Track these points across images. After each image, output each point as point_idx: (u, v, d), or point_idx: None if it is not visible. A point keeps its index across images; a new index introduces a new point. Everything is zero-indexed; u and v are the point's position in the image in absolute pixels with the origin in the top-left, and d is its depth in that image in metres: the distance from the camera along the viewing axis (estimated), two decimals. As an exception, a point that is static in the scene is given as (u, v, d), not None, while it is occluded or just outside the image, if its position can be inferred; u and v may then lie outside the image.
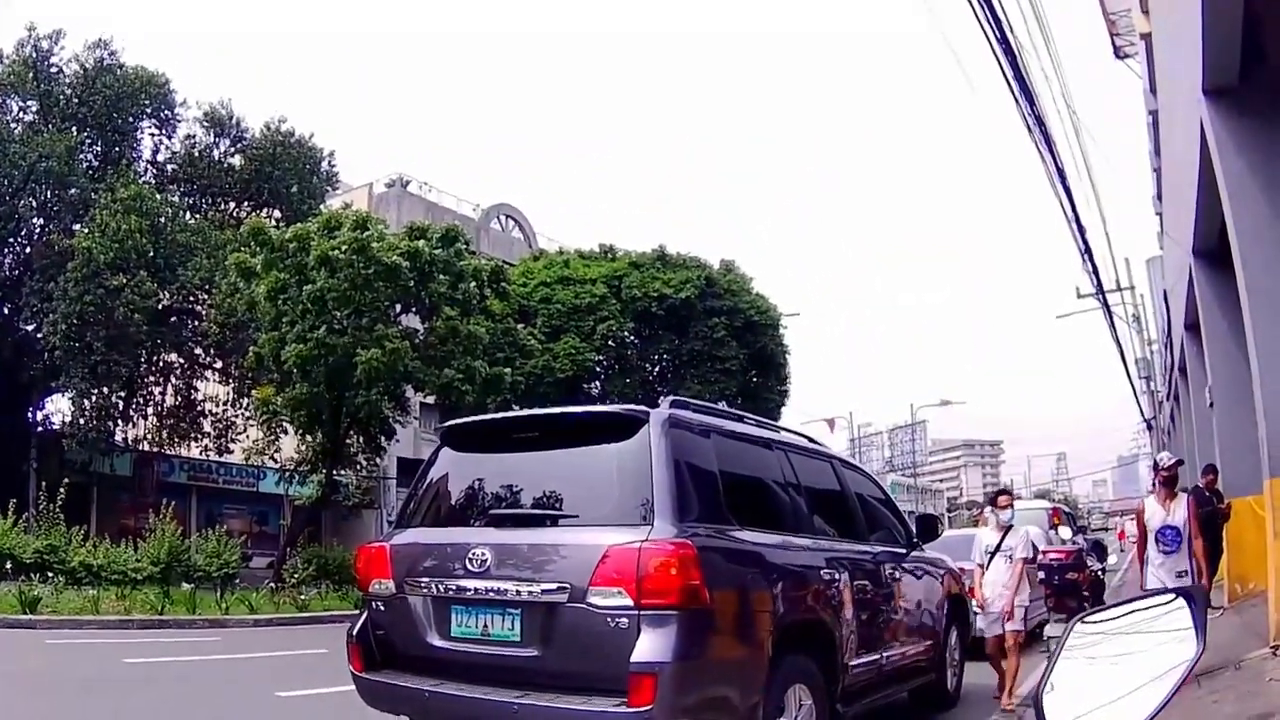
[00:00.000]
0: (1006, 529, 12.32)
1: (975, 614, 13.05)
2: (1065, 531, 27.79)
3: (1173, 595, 2.10)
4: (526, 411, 8.46)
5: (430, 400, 36.47)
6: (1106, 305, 39.39)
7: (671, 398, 7.77)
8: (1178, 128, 17.44)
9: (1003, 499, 12.91)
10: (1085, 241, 27.94)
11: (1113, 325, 42.25)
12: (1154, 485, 14.40)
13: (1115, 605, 1.95)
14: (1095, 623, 1.94)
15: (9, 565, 24.86)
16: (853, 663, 8.48)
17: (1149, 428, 59.79)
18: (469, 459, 8.25)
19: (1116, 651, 1.85)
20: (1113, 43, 32.75)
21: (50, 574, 25.20)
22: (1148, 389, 53.55)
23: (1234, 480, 16.76)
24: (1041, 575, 16.09)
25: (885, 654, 9.45)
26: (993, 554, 12.20)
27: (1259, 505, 13.13)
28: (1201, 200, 14.91)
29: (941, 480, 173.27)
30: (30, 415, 41.99)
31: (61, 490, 28.44)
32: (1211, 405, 18.32)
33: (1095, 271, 32.51)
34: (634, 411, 7.27)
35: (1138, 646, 1.86)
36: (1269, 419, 11.34)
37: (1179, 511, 12.46)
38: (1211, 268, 17.03)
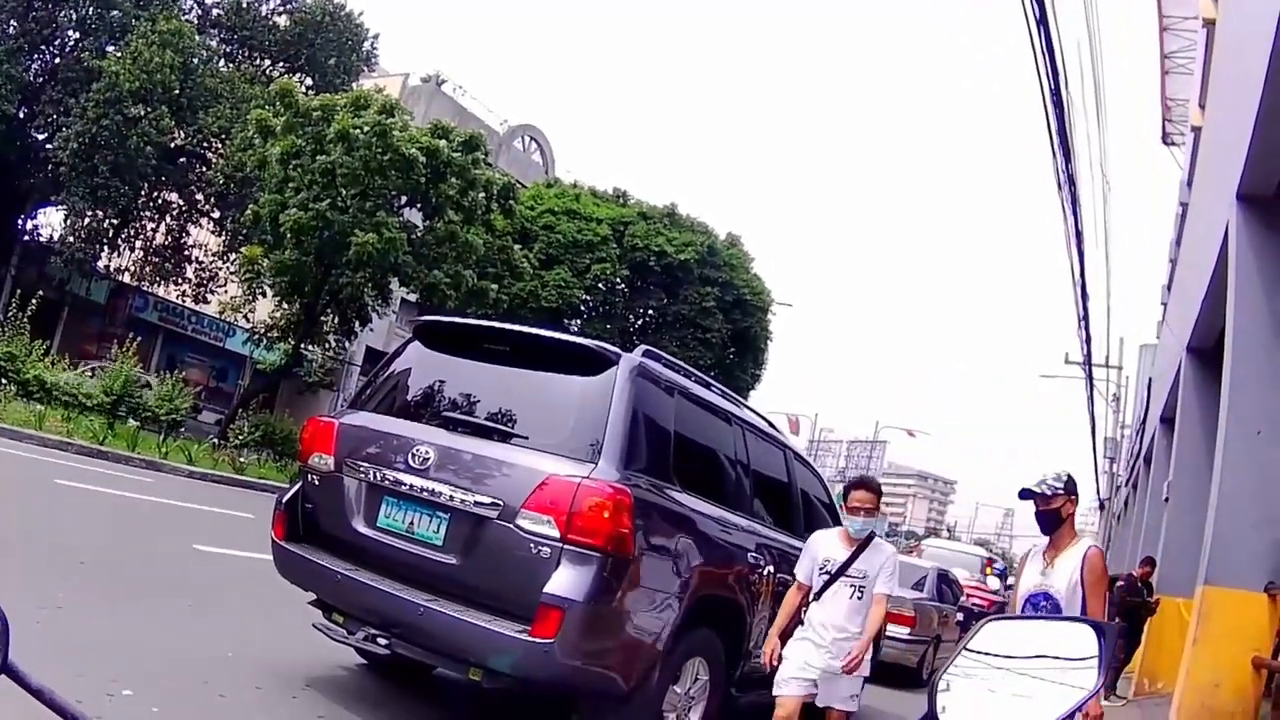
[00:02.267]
0: (862, 544, 7.88)
1: (888, 638, 13.09)
2: (994, 582, 28.08)
3: (1085, 624, 2.15)
4: (503, 324, 8.44)
5: (413, 298, 36.34)
6: (1091, 377, 39.54)
7: (645, 347, 7.77)
8: (1203, 224, 17.47)
9: (861, 496, 7.93)
10: (1085, 309, 28.04)
11: (1092, 398, 42.42)
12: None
13: (1029, 618, 2.00)
14: (1004, 629, 1.98)
15: (-38, 366, 24.76)
16: (757, 651, 8.51)
17: (1101, 508, 59.96)
18: (436, 358, 8.23)
19: (1018, 662, 1.89)
20: (1163, 128, 32.83)
21: (3, 381, 25.22)
22: (1109, 469, 53.70)
23: (1170, 579, 16.87)
24: (960, 617, 16.23)
25: (790, 652, 9.48)
26: (832, 577, 7.78)
27: (1186, 609, 13.22)
28: (1208, 299, 14.95)
29: (889, 504, 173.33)
30: (20, 222, 41.79)
31: (34, 302, 28.21)
32: (1166, 500, 18.44)
33: (1088, 341, 32.61)
34: (606, 350, 7.26)
35: (1041, 664, 1.90)
36: (1217, 524, 11.39)
37: (1062, 571, 7.04)
38: (1201, 366, 17.10)
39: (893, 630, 14.77)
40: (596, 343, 7.50)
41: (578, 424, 7.05)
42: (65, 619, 7.69)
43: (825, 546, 7.98)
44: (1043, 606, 7.05)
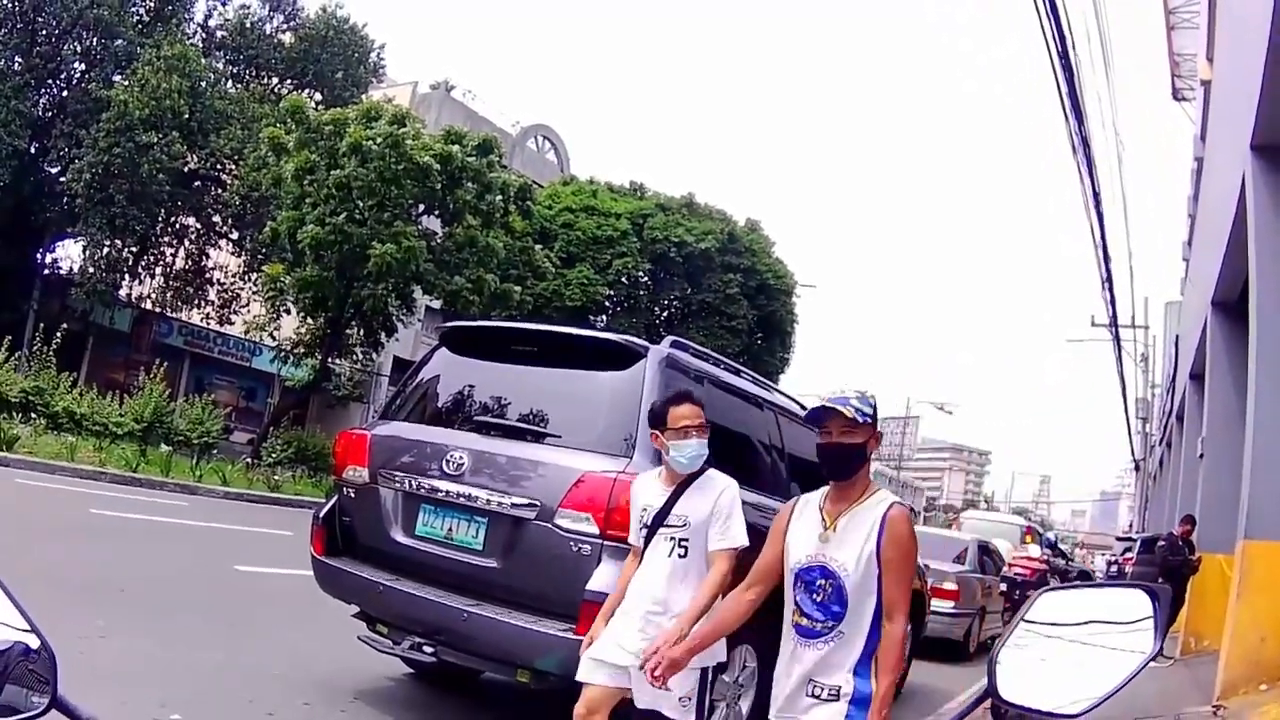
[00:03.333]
0: (685, 480, 5.87)
1: (933, 613, 13.06)
2: (1035, 550, 28.01)
3: (1139, 589, 2.12)
4: (529, 324, 8.43)
5: (436, 305, 36.30)
6: (1118, 338, 39.39)
7: (672, 338, 7.75)
8: (1219, 178, 17.38)
9: (686, 412, 5.89)
10: (1108, 271, 27.99)
11: (1120, 360, 42.27)
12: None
13: (1083, 586, 1.98)
14: (1061, 598, 1.96)
15: (-8, 400, 24.87)
16: (804, 635, 8.47)
17: (1136, 468, 59.76)
18: (464, 363, 8.22)
19: (1076, 630, 1.88)
20: (1173, 84, 32.64)
21: (33, 415, 25.31)
22: (1142, 430, 53.45)
23: (1210, 536, 16.76)
24: (1004, 588, 16.19)
25: (836, 634, 9.42)
26: (650, 530, 5.79)
27: (1229, 565, 13.13)
28: (1229, 252, 14.86)
29: (924, 479, 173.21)
30: (39, 256, 41.98)
31: (58, 335, 28.45)
32: (1201, 456, 18.31)
33: (1113, 302, 32.52)
34: (634, 344, 7.27)
35: (1098, 631, 1.88)
36: (1254, 478, 11.31)
37: (851, 539, 4.51)
38: (1226, 320, 16.99)
39: (937, 605, 14.72)
40: (623, 337, 7.49)
41: (610, 419, 7.05)
42: (109, 646, 7.71)
43: (645, 492, 5.94)
44: (820, 589, 4.53)
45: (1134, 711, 10.21)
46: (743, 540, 5.80)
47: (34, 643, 1.29)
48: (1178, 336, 30.76)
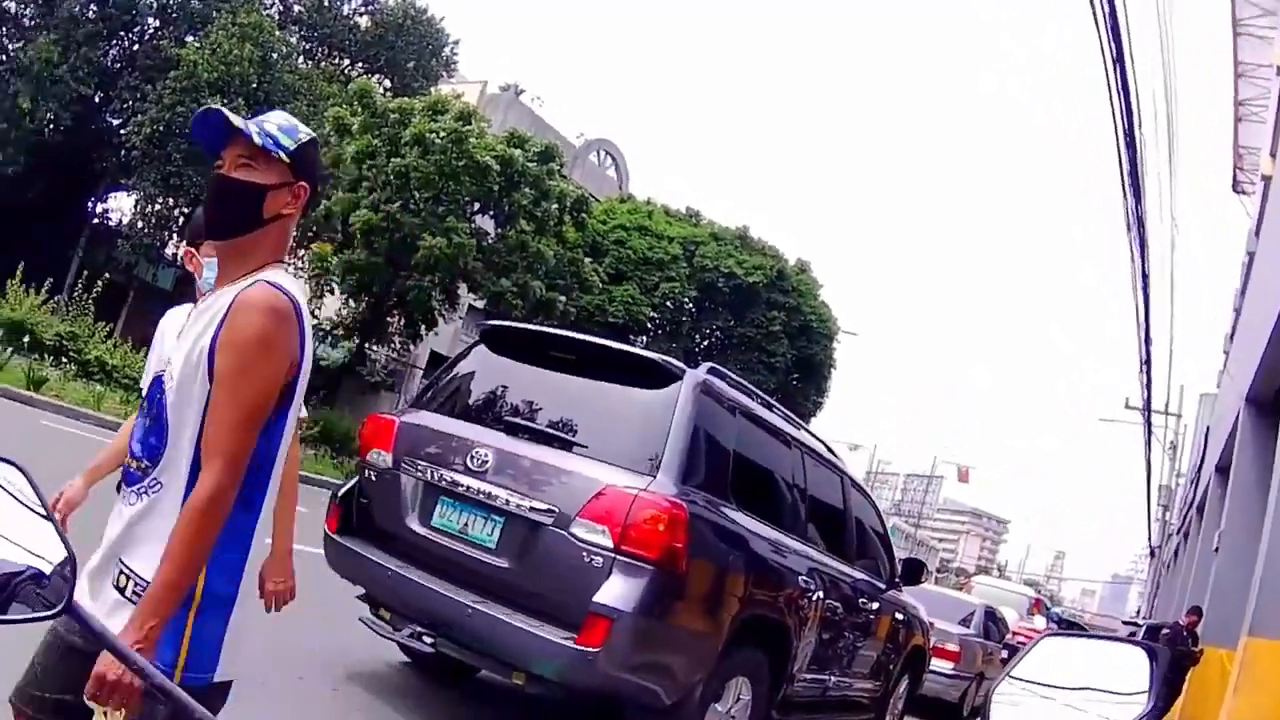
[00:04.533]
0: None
1: (932, 672, 13.05)
2: (1041, 623, 27.97)
3: (1138, 645, 2.13)
4: (571, 333, 8.45)
5: (480, 304, 36.33)
6: (1149, 423, 39.23)
7: (710, 365, 7.78)
8: (1269, 274, 17.31)
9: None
10: (1148, 354, 27.88)
11: (1149, 445, 42.09)
12: None
13: (1084, 635, 1.98)
14: (1061, 645, 1.97)
15: (26, 340, 25.06)
16: (801, 675, 8.45)
17: (1152, 555, 59.46)
18: (501, 362, 8.25)
19: (1072, 683, 1.88)
20: (1234, 175, 32.54)
21: (65, 360, 25.41)
22: (1162, 517, 53.14)
23: (1215, 630, 16.65)
24: (1005, 655, 16.13)
25: (834, 678, 9.39)
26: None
27: (1229, 660, 13.04)
28: (1270, 350, 14.79)
29: (941, 540, 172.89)
30: (91, 205, 42.22)
31: (99, 284, 28.49)
32: (1216, 550, 18.21)
33: (1148, 386, 32.39)
34: (672, 365, 7.27)
35: (1095, 682, 1.89)
36: (1266, 575, 11.24)
37: (195, 330, 3.01)
38: (1259, 416, 16.90)
39: (937, 664, 14.66)
40: (662, 357, 7.52)
41: (639, 436, 7.05)
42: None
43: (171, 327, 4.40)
44: (147, 411, 3.11)
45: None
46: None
47: (48, 567, 1.32)
48: (1208, 428, 30.60)
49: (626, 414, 7.38)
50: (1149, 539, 59.04)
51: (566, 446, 7.18)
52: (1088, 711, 1.93)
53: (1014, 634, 18.12)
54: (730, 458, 7.45)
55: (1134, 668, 1.99)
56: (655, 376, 7.23)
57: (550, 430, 7.37)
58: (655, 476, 6.62)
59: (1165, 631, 17.40)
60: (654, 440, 6.86)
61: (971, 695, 17.66)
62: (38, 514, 1.21)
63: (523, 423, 7.50)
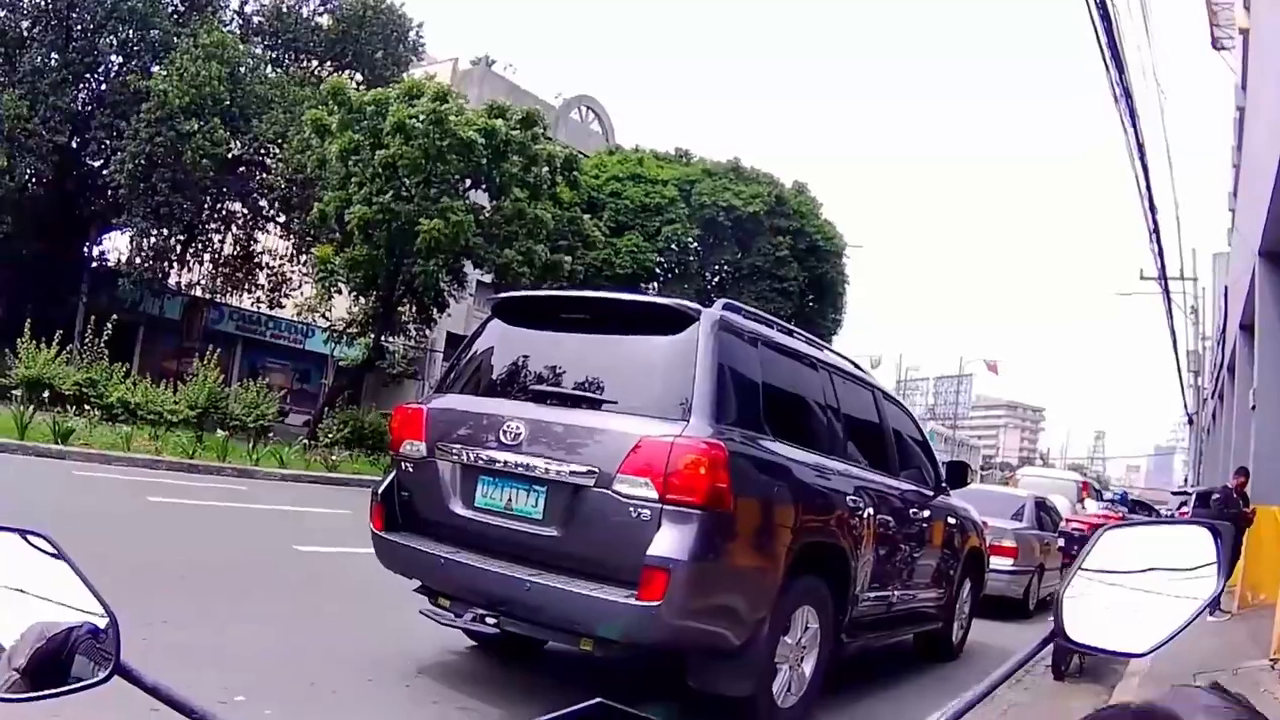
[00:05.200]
0: None
1: (992, 571, 13.03)
2: (1092, 505, 27.88)
3: (1200, 525, 2.10)
4: (581, 292, 8.41)
5: (487, 279, 36.22)
6: (1167, 291, 39.08)
7: (725, 300, 7.73)
8: (1262, 125, 17.18)
9: None
10: (1155, 221, 27.72)
11: (1170, 313, 41.94)
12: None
13: (1145, 523, 1.95)
14: (1123, 535, 1.94)
15: (46, 395, 25.02)
16: (864, 595, 8.45)
17: (1190, 422, 59.31)
18: (516, 333, 8.23)
19: (1138, 569, 1.85)
20: (1211, 33, 32.25)
21: (87, 407, 25.29)
22: (1194, 383, 53.00)
23: (1263, 487, 16.62)
24: (1061, 544, 16.08)
25: (897, 593, 9.42)
26: None
27: (1281, 515, 13.00)
28: (1275, 201, 14.69)
29: (980, 437, 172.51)
30: (86, 249, 42.21)
31: (109, 326, 28.52)
32: (1254, 408, 18.14)
33: (1160, 254, 32.25)
34: (686, 308, 7.21)
35: (1162, 568, 1.86)
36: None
37: None
38: (1275, 269, 16.82)
39: (996, 563, 14.64)
40: (676, 301, 7.48)
41: (665, 384, 7.01)
42: (170, 632, 7.72)
43: None
44: None
45: (1192, 666, 10.15)
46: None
47: (101, 621, 1.31)
48: (1226, 288, 30.47)
49: (649, 363, 7.33)
50: (1185, 407, 58.93)
51: (596, 405, 7.17)
52: (1158, 596, 1.90)
53: (1067, 521, 18.04)
54: (759, 390, 7.41)
55: (1199, 548, 1.96)
56: (672, 321, 7.18)
57: (577, 392, 7.38)
58: (688, 421, 6.59)
59: (1215, 496, 17.32)
60: (681, 385, 6.82)
61: (1035, 589, 17.67)
62: (73, 577, 1.21)
63: (549, 389, 7.50)
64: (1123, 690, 10.09)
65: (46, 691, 1.00)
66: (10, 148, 35.67)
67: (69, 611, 1.56)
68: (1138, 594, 1.90)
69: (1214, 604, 1.94)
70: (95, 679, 1.03)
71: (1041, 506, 19.48)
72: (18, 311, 32.73)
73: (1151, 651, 1.58)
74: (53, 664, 1.44)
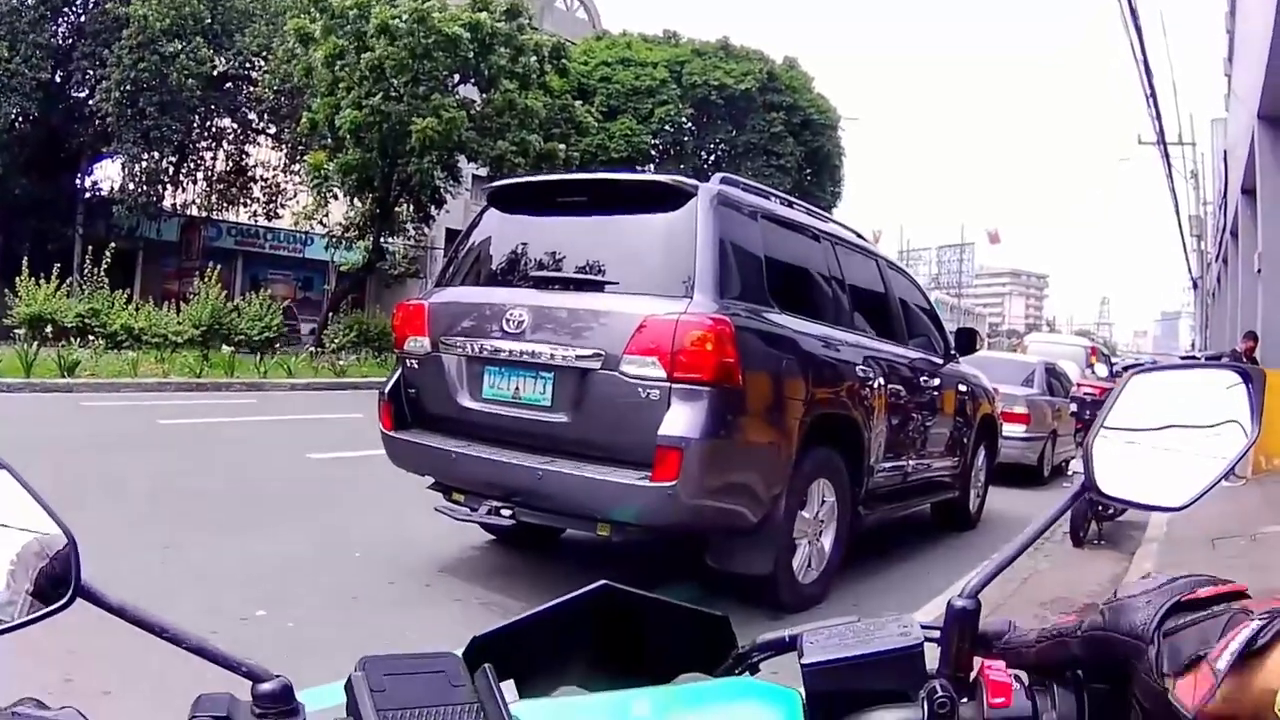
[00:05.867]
0: None
1: (1005, 438, 12.99)
2: (1101, 369, 27.88)
3: (1230, 369, 2.02)
4: (575, 175, 8.32)
5: (483, 172, 36.10)
6: (1166, 155, 38.83)
7: (722, 175, 7.63)
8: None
9: None
10: (1152, 86, 27.41)
11: (1170, 177, 41.71)
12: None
13: (1173, 367, 1.85)
14: (1152, 380, 1.85)
15: (49, 330, 25.10)
16: (879, 466, 8.43)
17: (1195, 286, 59.20)
18: (513, 221, 8.14)
19: (1168, 416, 1.77)
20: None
21: (91, 338, 25.36)
22: (1198, 248, 52.86)
23: (1273, 352, 16.54)
24: (1073, 409, 16.04)
25: (912, 463, 9.38)
26: None
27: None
28: (1272, 64, 14.50)
29: (985, 305, 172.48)
30: (78, 181, 42.04)
31: (107, 254, 28.45)
32: (1259, 271, 18.04)
33: (1158, 117, 31.97)
34: (683, 183, 7.08)
35: (1191, 415, 1.77)
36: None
37: None
38: (1275, 132, 16.66)
39: (1009, 430, 14.59)
40: (672, 177, 7.36)
41: (666, 262, 6.92)
42: (187, 553, 7.72)
43: None
44: None
45: (1211, 531, 10.14)
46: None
47: (58, 542, 1.22)
48: (1225, 152, 30.27)
49: (649, 242, 7.22)
50: (1189, 271, 58.82)
51: (598, 288, 7.12)
52: (1190, 445, 1.82)
53: (1078, 386, 17.99)
54: (762, 263, 7.32)
55: (1230, 392, 1.88)
56: (669, 198, 7.06)
57: (578, 276, 7.31)
58: (692, 298, 6.53)
59: (1224, 361, 17.26)
60: (682, 262, 6.74)
61: (1049, 455, 17.67)
62: (20, 494, 1.11)
63: (549, 274, 7.44)
64: (1143, 556, 10.09)
65: (4, 625, 0.93)
66: (-6, 89, 35.51)
67: (17, 535, 1.46)
68: (1168, 443, 1.82)
69: (1255, 437, 1.84)
70: (54, 605, 0.96)
71: (1051, 372, 19.45)
72: (14, 250, 32.69)
73: (1187, 505, 1.51)
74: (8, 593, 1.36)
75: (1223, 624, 0.96)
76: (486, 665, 0.93)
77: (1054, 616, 1.15)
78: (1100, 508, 10.87)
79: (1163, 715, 0.97)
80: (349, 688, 0.90)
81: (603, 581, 1.26)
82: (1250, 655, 0.92)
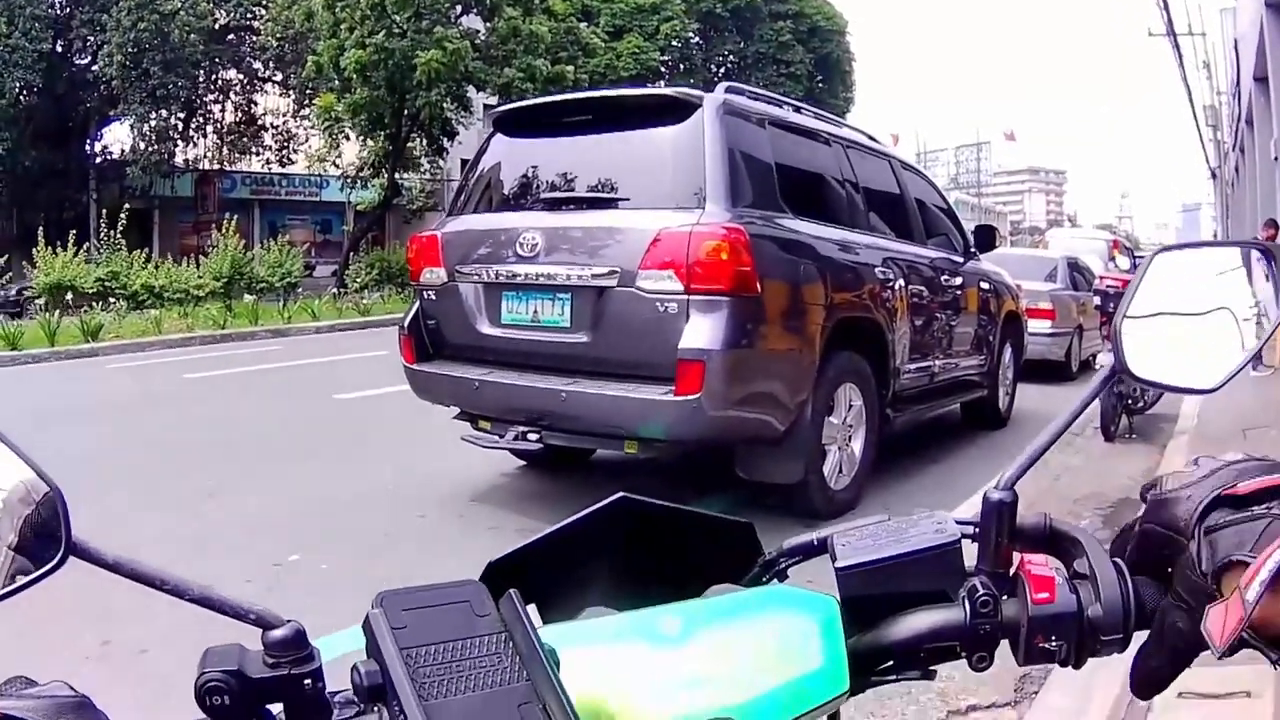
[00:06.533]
0: None
1: (1031, 335, 12.91)
2: (1124, 261, 27.76)
3: (1253, 247, 1.97)
4: (579, 93, 8.26)
5: (493, 101, 36.11)
6: (1177, 46, 38.52)
7: (727, 84, 7.56)
8: None
9: None
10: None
11: (1182, 67, 41.38)
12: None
13: (1198, 245, 1.80)
14: (1177, 258, 1.81)
15: (70, 297, 25.05)
16: (905, 368, 8.41)
17: (1213, 177, 58.77)
18: (521, 145, 8.12)
19: (1194, 295, 1.72)
20: None
21: (113, 300, 25.44)
22: (1214, 138, 52.42)
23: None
24: (1097, 301, 15.94)
25: (938, 363, 9.34)
26: None
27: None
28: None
29: (1005, 203, 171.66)
30: (88, 147, 42.12)
31: (122, 216, 28.61)
32: (1277, 159, 17.91)
33: (1166, 8, 31.68)
34: (688, 95, 7.02)
35: (1218, 296, 1.72)
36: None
37: None
38: (1283, 19, 16.50)
39: (1034, 326, 14.52)
40: (676, 89, 7.33)
41: (676, 174, 6.87)
42: (219, 504, 7.75)
43: None
44: None
45: (1240, 422, 10.09)
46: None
47: (43, 499, 1.17)
48: (1236, 40, 29.97)
49: (658, 156, 7.16)
50: (1207, 162, 58.38)
51: (609, 205, 7.11)
52: (1218, 325, 1.78)
53: (1100, 279, 17.89)
54: (773, 170, 7.25)
55: (1257, 273, 1.84)
56: (675, 111, 7.00)
57: (589, 195, 7.29)
58: (704, 209, 6.49)
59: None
60: (692, 174, 6.69)
61: (1076, 350, 17.58)
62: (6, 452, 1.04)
63: (560, 196, 7.42)
64: (1174, 449, 10.06)
65: None
66: (-4, 65, 35.51)
67: None
68: (1196, 324, 1.78)
69: (1256, 359, 1.80)
70: (46, 565, 0.92)
71: (1074, 267, 19.32)
72: (29, 222, 32.79)
73: (1219, 387, 1.47)
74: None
75: (1260, 530, 0.94)
76: (512, 591, 0.90)
77: (1086, 513, 1.13)
78: (1129, 401, 10.85)
79: (1196, 619, 0.95)
80: (367, 626, 0.87)
81: (620, 494, 1.23)
82: None
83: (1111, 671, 3.93)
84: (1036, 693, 4.39)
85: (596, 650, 1.01)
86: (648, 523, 1.23)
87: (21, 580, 0.91)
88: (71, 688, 0.80)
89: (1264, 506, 0.96)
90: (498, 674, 0.83)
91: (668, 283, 6.34)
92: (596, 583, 1.21)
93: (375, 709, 0.86)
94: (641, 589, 1.13)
